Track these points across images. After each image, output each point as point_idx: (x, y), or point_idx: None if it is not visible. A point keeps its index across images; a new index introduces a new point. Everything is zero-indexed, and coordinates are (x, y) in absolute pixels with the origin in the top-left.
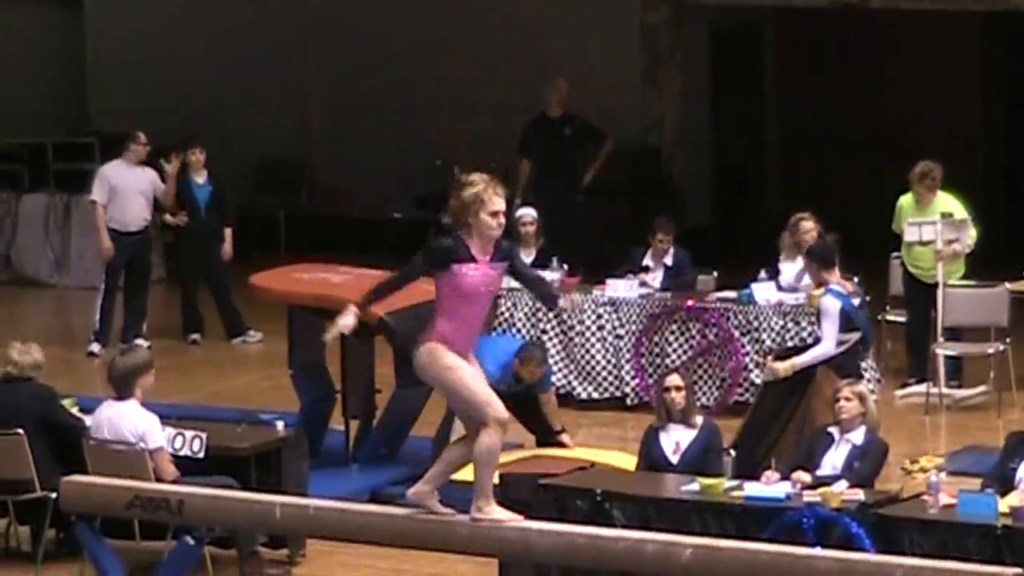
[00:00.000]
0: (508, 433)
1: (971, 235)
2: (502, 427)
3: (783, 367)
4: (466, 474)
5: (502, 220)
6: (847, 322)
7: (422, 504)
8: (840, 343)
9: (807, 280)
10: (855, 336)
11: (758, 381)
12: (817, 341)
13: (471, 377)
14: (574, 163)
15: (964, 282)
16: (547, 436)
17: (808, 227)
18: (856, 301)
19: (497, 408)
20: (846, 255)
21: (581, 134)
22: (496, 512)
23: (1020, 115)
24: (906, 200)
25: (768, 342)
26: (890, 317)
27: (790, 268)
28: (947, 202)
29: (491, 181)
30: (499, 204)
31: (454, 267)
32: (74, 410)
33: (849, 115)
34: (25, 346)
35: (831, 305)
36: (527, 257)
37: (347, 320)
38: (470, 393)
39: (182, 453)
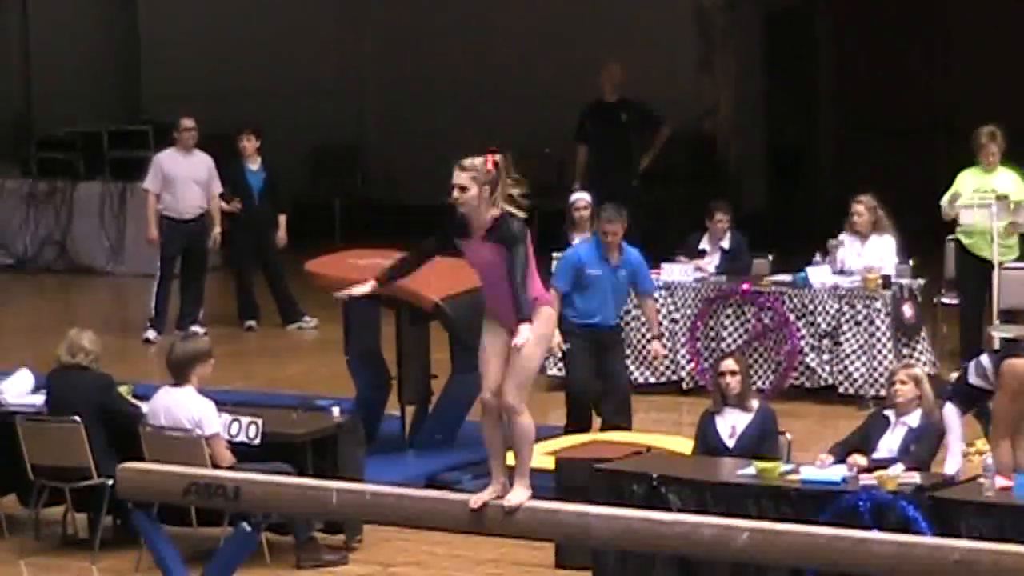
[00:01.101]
0: (560, 419)
1: None
2: (484, 413)
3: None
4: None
5: (456, 194)
6: (967, 399)
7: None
8: (978, 371)
9: (868, 262)
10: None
11: (813, 365)
12: None
13: (483, 362)
14: (629, 148)
15: (1020, 263)
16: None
17: (857, 209)
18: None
19: (485, 399)
20: (901, 238)
21: (637, 119)
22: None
23: None
24: (965, 172)
25: (823, 325)
26: (945, 300)
27: (849, 249)
28: (1007, 177)
29: (463, 161)
30: (455, 177)
31: (457, 242)
32: (130, 397)
33: (904, 99)
34: (81, 334)
35: (948, 415)
36: (582, 241)
37: (362, 288)
38: (528, 373)
39: (238, 439)
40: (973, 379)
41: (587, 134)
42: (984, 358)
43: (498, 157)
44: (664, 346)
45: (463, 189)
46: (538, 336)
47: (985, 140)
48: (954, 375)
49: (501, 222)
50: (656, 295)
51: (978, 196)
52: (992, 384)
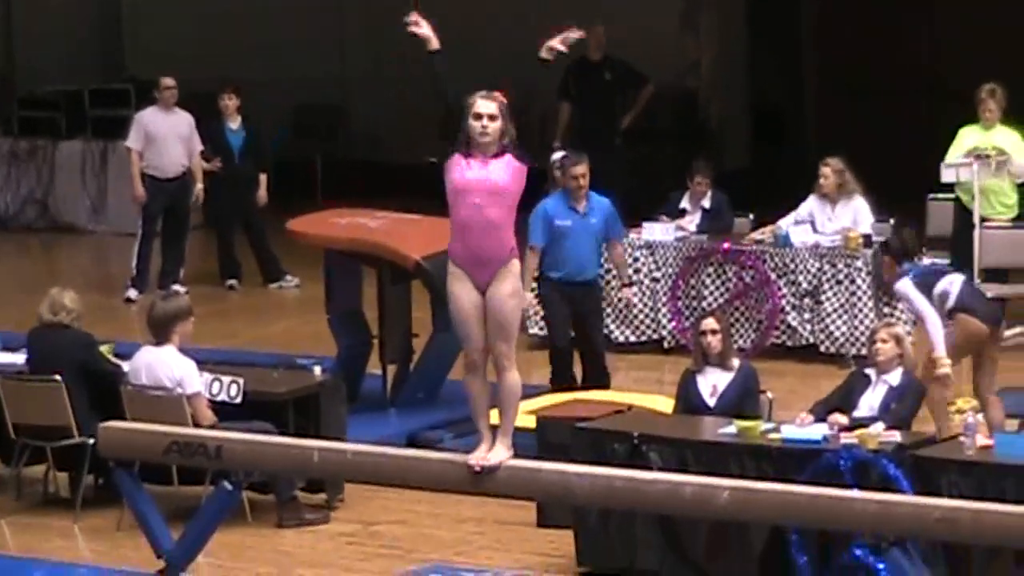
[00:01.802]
0: (541, 378)
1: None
2: (467, 371)
3: (942, 368)
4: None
5: (486, 123)
6: (929, 280)
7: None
8: (942, 297)
9: (838, 224)
10: (951, 280)
11: (794, 324)
12: None
13: (456, 315)
14: (613, 107)
15: (1002, 223)
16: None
17: (824, 172)
18: (921, 263)
19: (467, 353)
20: (883, 198)
21: (621, 78)
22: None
23: None
24: (965, 130)
25: (804, 284)
26: (927, 259)
27: (818, 212)
28: (1005, 134)
29: (484, 92)
30: (484, 107)
31: (455, 158)
32: (111, 356)
33: (888, 57)
34: (63, 293)
35: (904, 288)
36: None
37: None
38: (456, 325)
39: (219, 398)
40: (943, 288)
41: (570, 92)
42: (960, 285)
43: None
44: (635, 294)
45: (493, 118)
46: (515, 290)
47: (984, 96)
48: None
49: (514, 147)
50: (624, 242)
51: (976, 153)
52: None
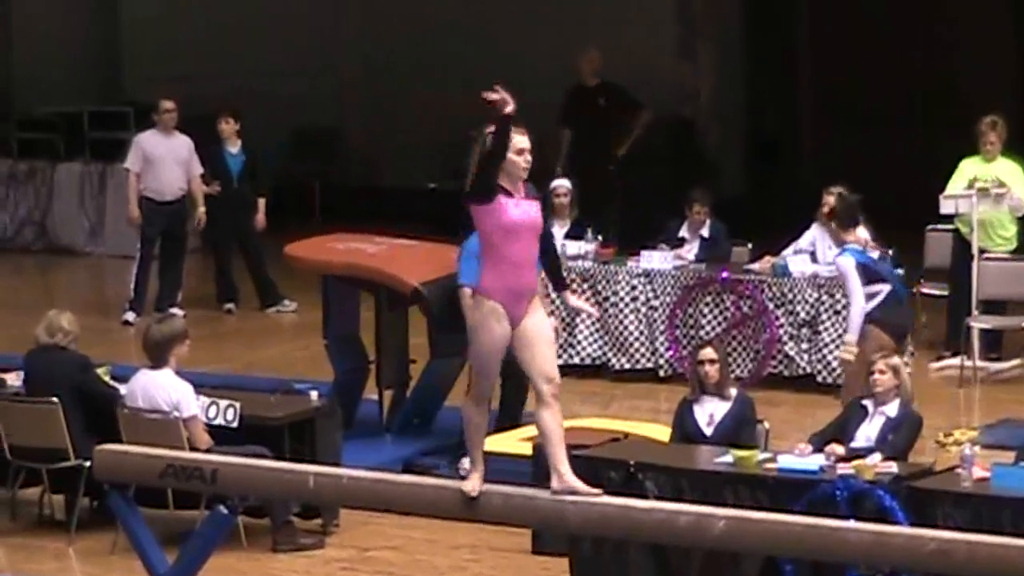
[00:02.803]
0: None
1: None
2: (474, 400)
3: (846, 352)
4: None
5: (528, 158)
6: (869, 275)
7: (571, 489)
8: (869, 296)
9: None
10: (884, 287)
11: (792, 353)
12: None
13: (487, 348)
14: (607, 133)
15: (1000, 254)
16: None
17: (827, 200)
18: (875, 254)
19: (483, 389)
20: (881, 227)
21: (617, 103)
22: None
23: None
24: (966, 162)
25: (802, 314)
26: (925, 290)
27: (819, 240)
28: (1006, 166)
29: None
30: (524, 142)
31: (500, 199)
32: (108, 379)
33: (885, 84)
34: (60, 315)
35: (845, 263)
36: (561, 228)
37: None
38: (478, 360)
39: (216, 422)
40: (873, 291)
41: (569, 118)
42: (885, 296)
43: None
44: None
45: (530, 152)
46: (546, 316)
47: (985, 128)
48: (933, 365)
49: (528, 186)
50: (623, 270)
51: (979, 185)
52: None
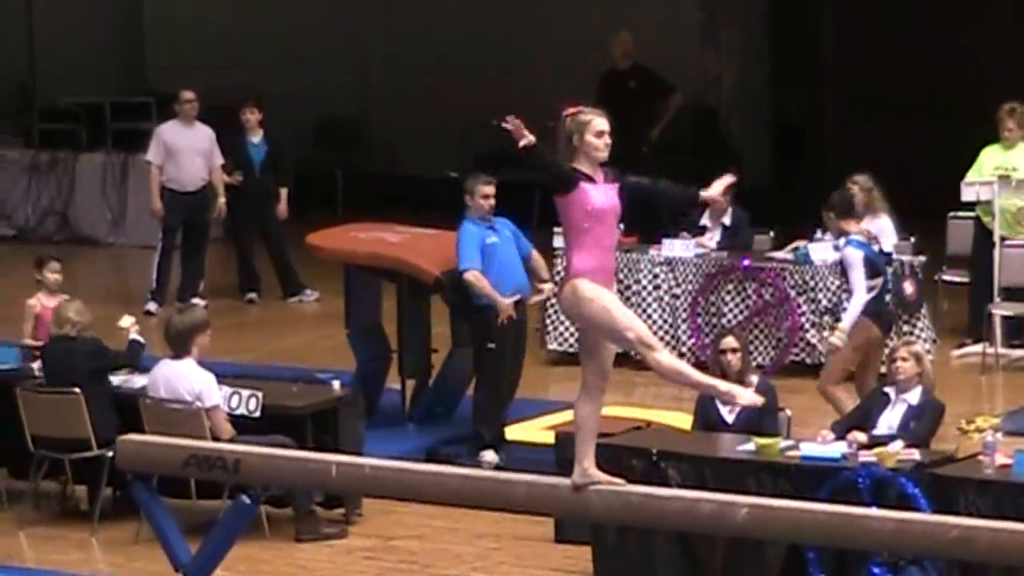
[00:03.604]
0: (560, 394)
1: None
2: (649, 348)
3: (838, 337)
4: (522, 434)
5: (608, 140)
6: (871, 269)
7: (592, 483)
8: (869, 289)
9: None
10: (880, 281)
11: (814, 341)
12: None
13: (613, 304)
14: (638, 115)
15: (1021, 241)
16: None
17: (852, 190)
18: (876, 248)
19: (641, 332)
20: (904, 215)
21: (647, 87)
22: (597, 475)
23: None
24: (987, 149)
25: (824, 302)
26: (946, 277)
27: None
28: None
29: (586, 108)
30: (603, 124)
31: (583, 185)
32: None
33: (908, 73)
34: (68, 305)
35: (854, 256)
36: None
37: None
38: (612, 320)
39: (238, 412)
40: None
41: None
42: (879, 291)
43: None
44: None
45: (610, 135)
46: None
47: (1003, 115)
48: (955, 352)
49: (606, 168)
50: (644, 258)
51: (998, 172)
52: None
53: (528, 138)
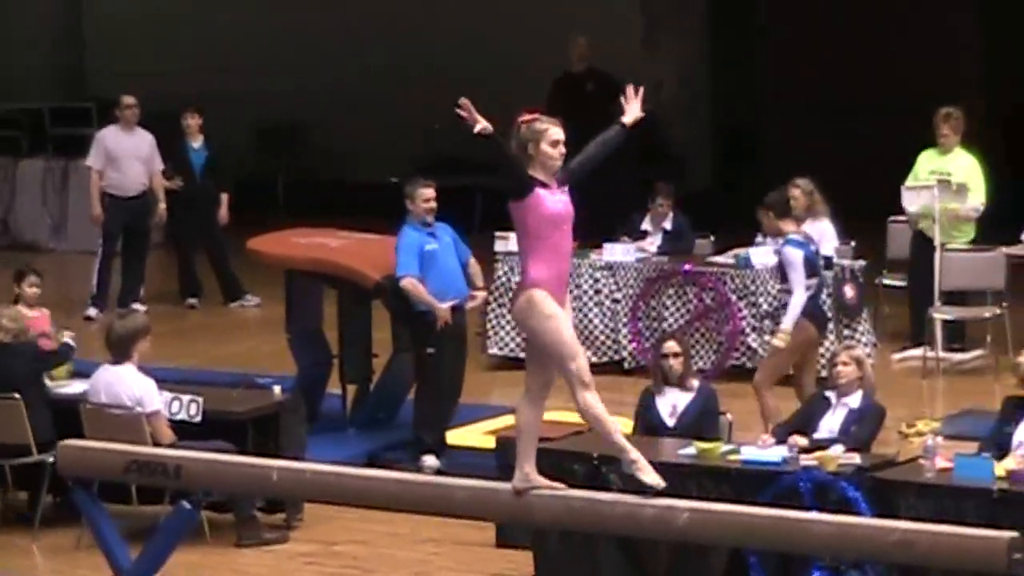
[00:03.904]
0: (501, 399)
1: (977, 199)
2: (584, 386)
3: (781, 340)
4: (463, 439)
5: (562, 150)
6: (809, 268)
7: (533, 487)
8: (806, 288)
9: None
10: (816, 281)
11: (755, 345)
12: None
13: (565, 329)
14: (593, 120)
15: (961, 246)
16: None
17: (794, 194)
18: (813, 248)
19: (582, 366)
20: (844, 219)
21: (602, 90)
22: (538, 480)
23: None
24: (924, 154)
25: (765, 306)
26: (887, 281)
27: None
28: (962, 159)
29: (542, 117)
30: (557, 133)
31: (538, 192)
32: (71, 378)
33: (849, 77)
34: (1, 311)
35: (794, 255)
36: None
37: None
38: (560, 344)
39: (179, 417)
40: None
41: (557, 106)
42: (814, 290)
43: None
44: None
45: (564, 144)
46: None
47: (938, 122)
48: (896, 356)
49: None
50: (584, 263)
51: (934, 177)
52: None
53: (483, 123)
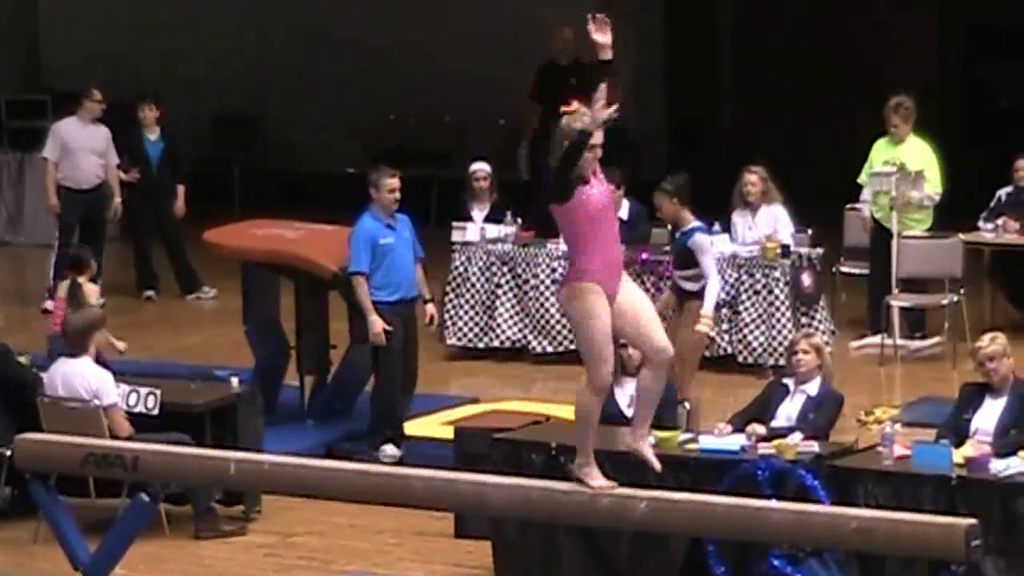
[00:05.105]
0: (459, 389)
1: (933, 187)
2: (597, 390)
3: (707, 324)
4: (421, 429)
5: (598, 152)
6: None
7: (582, 479)
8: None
9: (758, 232)
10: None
11: (712, 334)
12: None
13: (605, 330)
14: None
15: (918, 233)
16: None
17: (750, 179)
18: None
19: (608, 372)
20: (801, 207)
21: (586, 84)
22: (596, 478)
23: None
24: (877, 144)
25: (722, 294)
26: (844, 269)
27: (739, 221)
28: (915, 147)
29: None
30: (599, 138)
31: (582, 189)
32: (28, 367)
33: (805, 63)
34: None
35: (705, 241)
36: (480, 212)
37: None
38: (592, 347)
39: (136, 410)
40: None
41: (539, 95)
42: None
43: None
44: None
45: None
46: (588, 312)
47: (889, 112)
48: (854, 344)
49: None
50: (543, 252)
51: (887, 167)
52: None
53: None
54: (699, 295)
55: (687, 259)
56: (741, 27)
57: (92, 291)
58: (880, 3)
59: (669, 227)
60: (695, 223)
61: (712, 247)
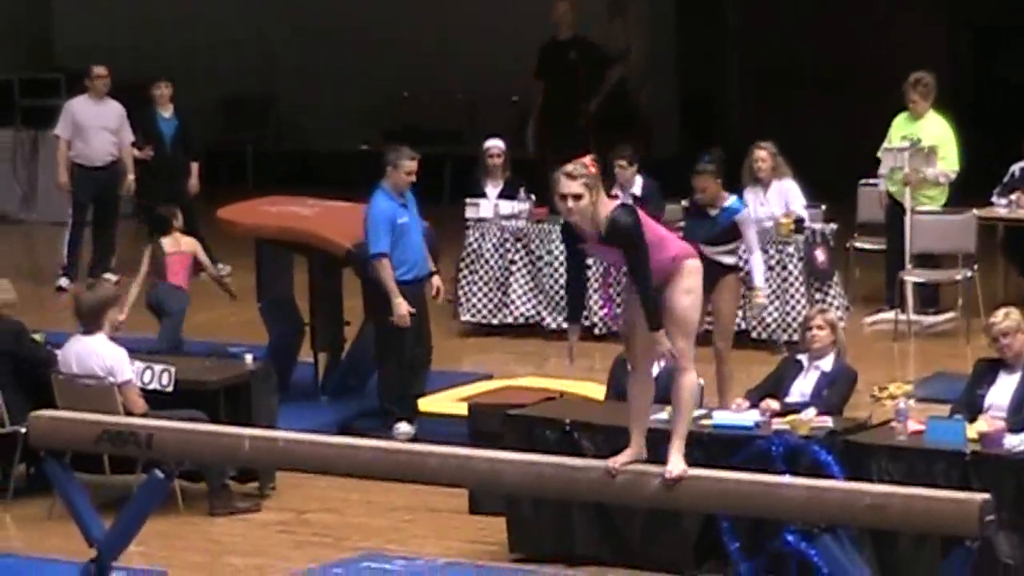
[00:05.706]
0: (473, 365)
1: (950, 165)
2: (684, 368)
3: (760, 296)
4: (435, 406)
5: (571, 204)
6: None
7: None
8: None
9: (770, 208)
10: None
11: None
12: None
13: (697, 309)
14: (577, 87)
15: (932, 208)
16: None
17: (760, 155)
18: None
19: (691, 344)
20: (812, 184)
21: (587, 58)
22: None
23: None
24: (896, 120)
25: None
26: (858, 244)
27: (750, 197)
28: (933, 123)
29: (569, 167)
30: (564, 186)
31: (583, 247)
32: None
33: (815, 44)
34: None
35: (750, 218)
36: (494, 188)
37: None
38: (691, 320)
39: (151, 387)
40: None
41: (543, 72)
42: None
43: (590, 157)
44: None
45: (578, 198)
46: (688, 288)
47: (908, 88)
48: (867, 319)
49: (610, 223)
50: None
51: (906, 143)
52: None
53: None
54: (735, 269)
55: (730, 234)
56: (752, 9)
57: (188, 242)
58: None
59: (685, 204)
60: (733, 197)
61: (753, 224)
